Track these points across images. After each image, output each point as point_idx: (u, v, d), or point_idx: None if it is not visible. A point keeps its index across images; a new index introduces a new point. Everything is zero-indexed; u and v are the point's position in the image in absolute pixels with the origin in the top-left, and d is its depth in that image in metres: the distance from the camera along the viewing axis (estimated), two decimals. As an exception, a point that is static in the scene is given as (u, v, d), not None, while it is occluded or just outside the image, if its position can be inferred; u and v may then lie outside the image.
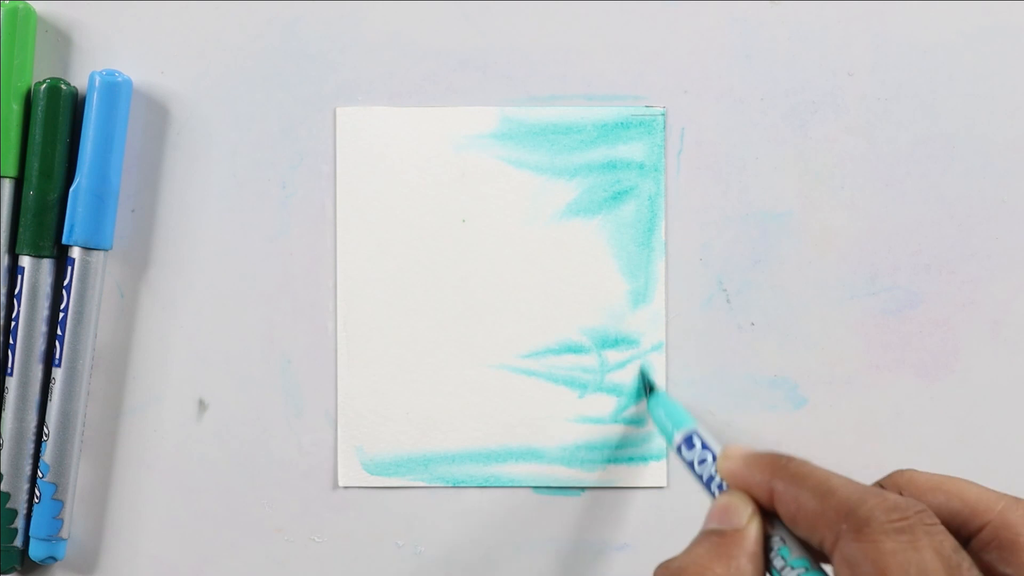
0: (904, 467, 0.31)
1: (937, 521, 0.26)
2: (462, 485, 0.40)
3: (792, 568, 0.28)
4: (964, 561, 0.26)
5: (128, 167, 0.40)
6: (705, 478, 0.32)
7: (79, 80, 0.39)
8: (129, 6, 0.40)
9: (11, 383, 0.39)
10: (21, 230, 0.39)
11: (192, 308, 0.40)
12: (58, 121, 0.38)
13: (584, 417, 0.40)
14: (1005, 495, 0.29)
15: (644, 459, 0.40)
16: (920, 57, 0.40)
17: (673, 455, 0.38)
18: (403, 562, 0.40)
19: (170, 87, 0.40)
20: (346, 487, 0.40)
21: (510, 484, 0.40)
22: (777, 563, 0.29)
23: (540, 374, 0.40)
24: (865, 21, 0.39)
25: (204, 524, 0.40)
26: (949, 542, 0.26)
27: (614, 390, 0.40)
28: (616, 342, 0.40)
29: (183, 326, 0.40)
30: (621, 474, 0.40)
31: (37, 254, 0.38)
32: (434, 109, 0.40)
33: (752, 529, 0.29)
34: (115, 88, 0.38)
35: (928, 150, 0.40)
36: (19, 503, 0.39)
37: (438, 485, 0.40)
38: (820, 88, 0.40)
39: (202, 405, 0.40)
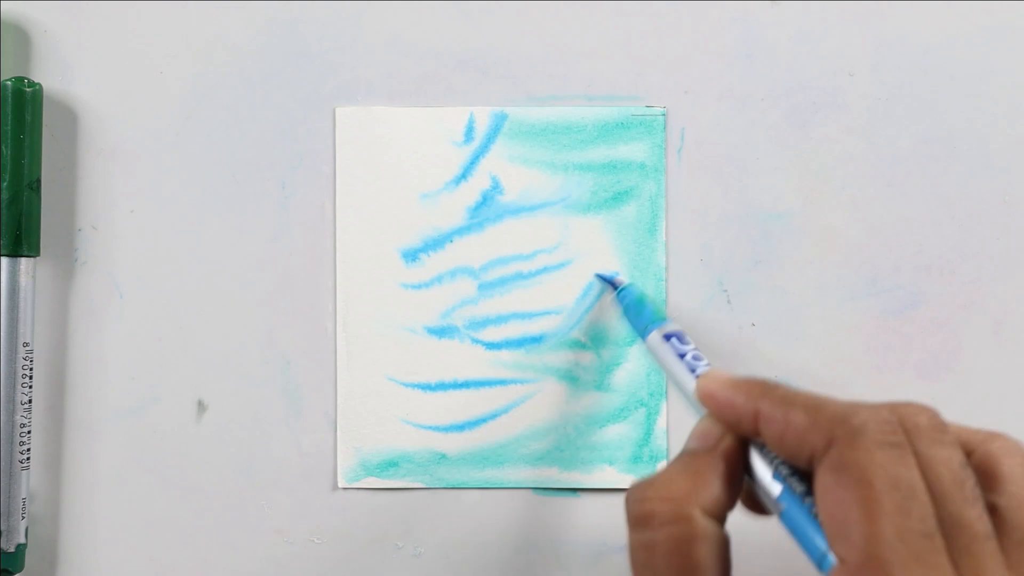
0: None
1: (947, 432, 0.26)
2: (462, 486, 0.40)
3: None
4: (968, 479, 0.26)
5: (129, 167, 0.40)
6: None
7: (87, 81, 0.39)
8: (129, 6, 0.40)
9: None
10: None
11: (192, 308, 0.40)
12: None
13: (583, 417, 0.39)
14: (980, 431, 0.29)
15: (643, 460, 0.39)
16: (920, 57, 0.40)
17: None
18: (402, 563, 0.40)
19: (169, 87, 0.40)
20: (346, 488, 0.40)
21: (509, 486, 0.40)
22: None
23: (540, 373, 0.40)
24: (865, 21, 0.39)
25: (204, 525, 0.40)
26: (957, 457, 0.26)
27: (613, 389, 0.39)
28: (615, 342, 0.39)
29: (183, 326, 0.40)
30: (620, 476, 0.39)
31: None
32: (434, 109, 0.40)
33: (724, 448, 0.29)
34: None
35: (928, 150, 0.40)
36: None
37: (437, 487, 0.40)
38: (821, 88, 0.40)
39: (201, 406, 0.40)
